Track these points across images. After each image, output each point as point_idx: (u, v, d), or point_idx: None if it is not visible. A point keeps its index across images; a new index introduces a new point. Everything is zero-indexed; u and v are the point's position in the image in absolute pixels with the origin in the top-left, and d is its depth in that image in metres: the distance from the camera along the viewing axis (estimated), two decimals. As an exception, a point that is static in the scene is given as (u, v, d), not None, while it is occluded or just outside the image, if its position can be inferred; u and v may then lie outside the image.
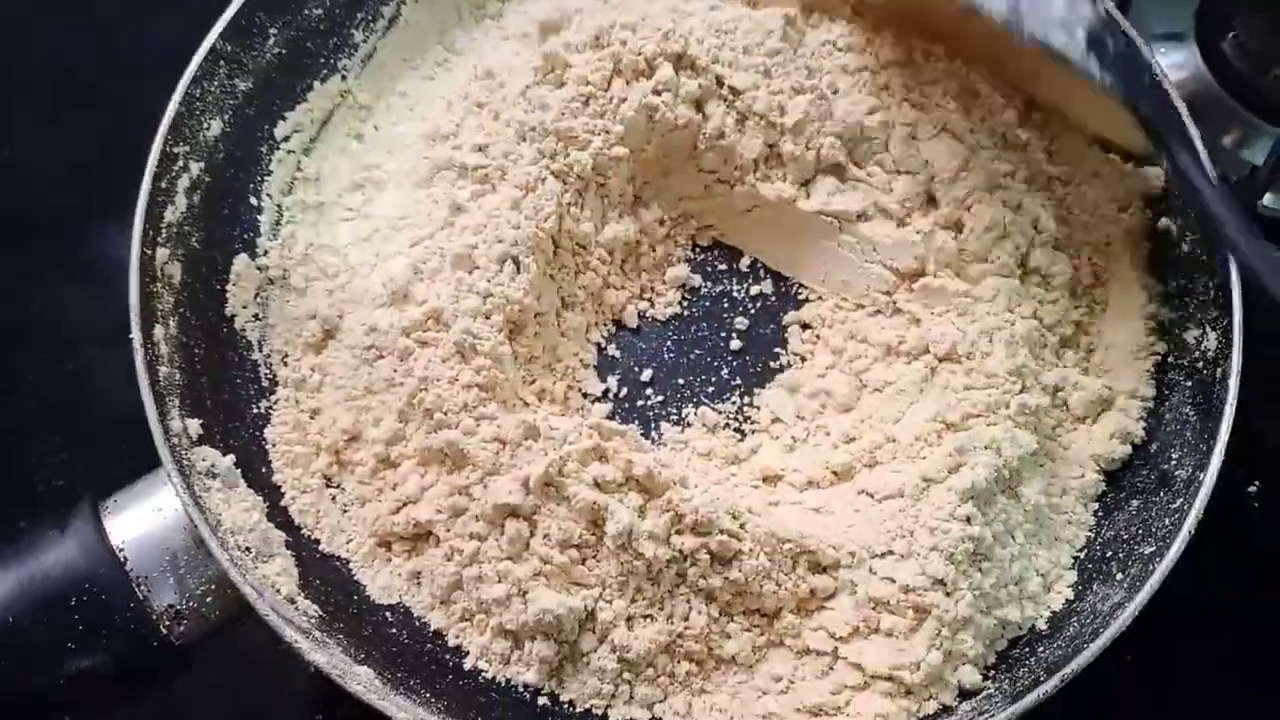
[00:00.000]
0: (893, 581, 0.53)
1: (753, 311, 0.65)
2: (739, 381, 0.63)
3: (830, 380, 0.61)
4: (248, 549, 0.52)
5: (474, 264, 0.58)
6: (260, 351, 0.61)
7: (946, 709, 0.52)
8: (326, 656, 0.49)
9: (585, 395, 0.62)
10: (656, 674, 0.54)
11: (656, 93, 0.61)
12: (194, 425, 0.55)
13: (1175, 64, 0.78)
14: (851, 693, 0.53)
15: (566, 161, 0.61)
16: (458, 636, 0.55)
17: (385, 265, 0.61)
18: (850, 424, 0.59)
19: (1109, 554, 0.55)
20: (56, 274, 0.75)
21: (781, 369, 0.63)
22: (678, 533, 0.53)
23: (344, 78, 0.68)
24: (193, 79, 0.60)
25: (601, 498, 0.53)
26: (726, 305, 0.65)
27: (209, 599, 0.52)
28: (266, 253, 0.63)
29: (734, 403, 0.62)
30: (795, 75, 0.62)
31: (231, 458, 0.56)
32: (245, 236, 0.63)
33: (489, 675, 0.54)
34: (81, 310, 0.73)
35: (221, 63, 0.62)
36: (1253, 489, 0.69)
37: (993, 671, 0.53)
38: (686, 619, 0.54)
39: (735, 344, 0.64)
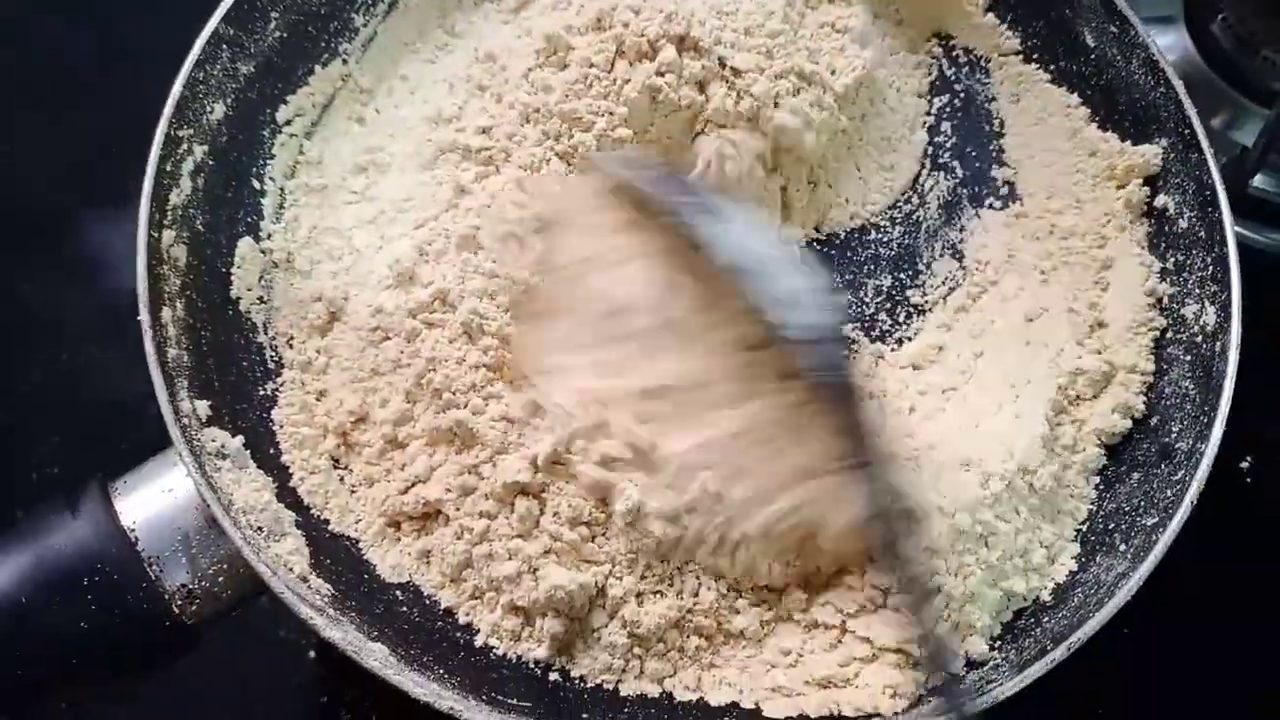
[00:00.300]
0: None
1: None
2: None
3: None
4: (259, 528, 0.53)
5: (479, 245, 0.59)
6: (266, 334, 0.61)
7: (955, 679, 0.52)
8: (341, 633, 0.49)
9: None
10: (666, 649, 0.54)
11: (660, 74, 0.61)
12: (203, 406, 0.55)
13: (1165, 46, 0.78)
14: (860, 664, 0.53)
15: (571, 143, 0.61)
16: (468, 614, 0.55)
17: (390, 247, 0.61)
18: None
19: (1111, 526, 0.56)
20: (53, 270, 0.75)
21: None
22: (688, 511, 0.53)
23: (345, 61, 0.68)
24: (196, 63, 0.61)
25: (609, 476, 0.53)
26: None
27: (221, 578, 0.52)
28: (271, 236, 0.63)
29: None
30: (796, 57, 0.63)
31: (240, 438, 0.56)
32: (249, 220, 0.63)
33: (500, 652, 0.54)
34: (79, 305, 0.74)
35: (224, 46, 0.62)
36: (1245, 464, 0.70)
37: (999, 642, 0.54)
38: (696, 595, 0.54)
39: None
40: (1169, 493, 0.54)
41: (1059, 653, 0.49)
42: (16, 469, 0.70)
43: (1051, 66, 0.68)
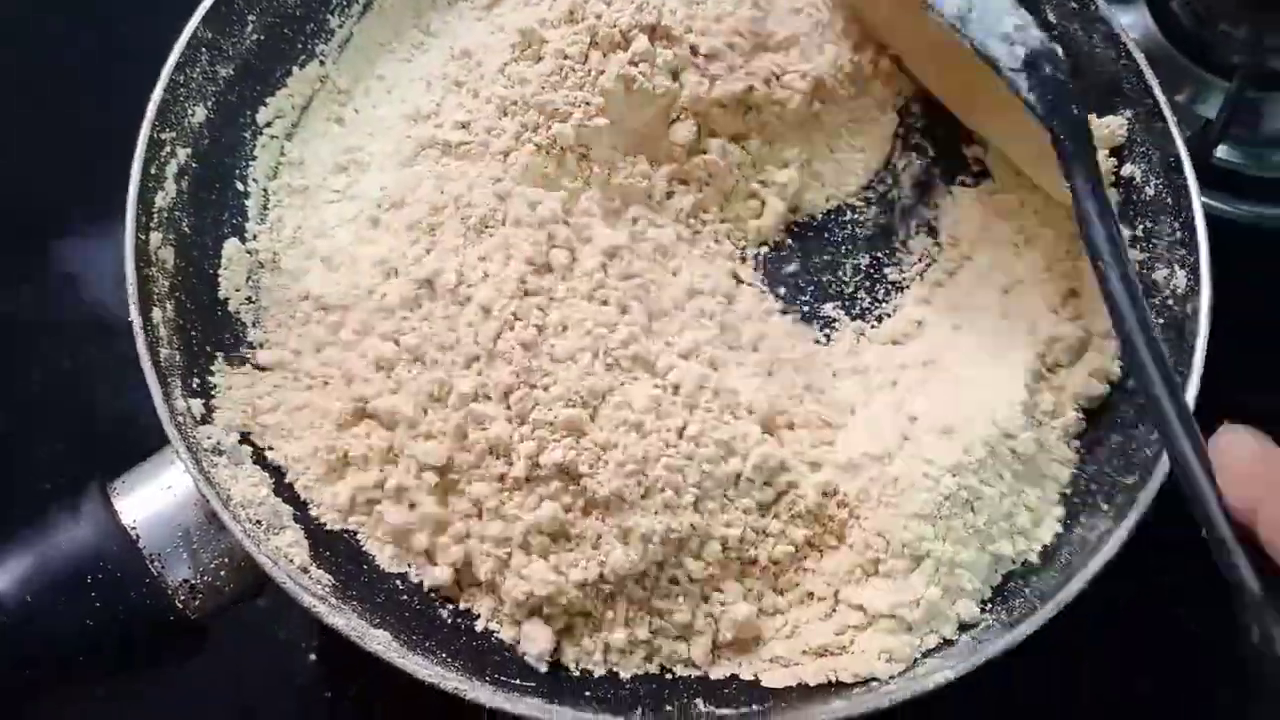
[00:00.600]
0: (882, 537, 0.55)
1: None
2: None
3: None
4: (258, 521, 0.53)
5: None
6: (256, 332, 0.61)
7: (947, 641, 0.54)
8: (344, 620, 0.50)
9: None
10: (667, 632, 0.55)
11: (634, 63, 0.62)
12: (196, 405, 0.56)
13: (1127, 25, 0.79)
14: (855, 632, 0.54)
15: (549, 134, 0.62)
16: (467, 601, 0.56)
17: (374, 244, 0.62)
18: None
19: (1094, 487, 0.57)
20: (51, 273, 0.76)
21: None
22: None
23: (322, 63, 0.69)
24: (175, 65, 0.61)
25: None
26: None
27: (223, 572, 0.53)
28: (256, 237, 0.64)
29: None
30: (768, 42, 0.64)
31: (236, 435, 0.56)
32: (234, 221, 0.64)
33: (500, 637, 0.55)
34: (72, 310, 0.74)
35: (203, 50, 0.63)
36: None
37: (989, 604, 0.55)
38: (691, 578, 0.55)
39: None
40: (1148, 452, 0.55)
41: (1049, 609, 0.50)
42: (16, 477, 0.70)
43: (1017, 45, 0.69)
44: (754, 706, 0.52)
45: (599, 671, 0.54)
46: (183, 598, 0.52)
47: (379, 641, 0.50)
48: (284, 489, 0.57)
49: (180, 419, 0.54)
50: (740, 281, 0.65)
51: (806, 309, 0.65)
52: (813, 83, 0.65)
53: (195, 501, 0.53)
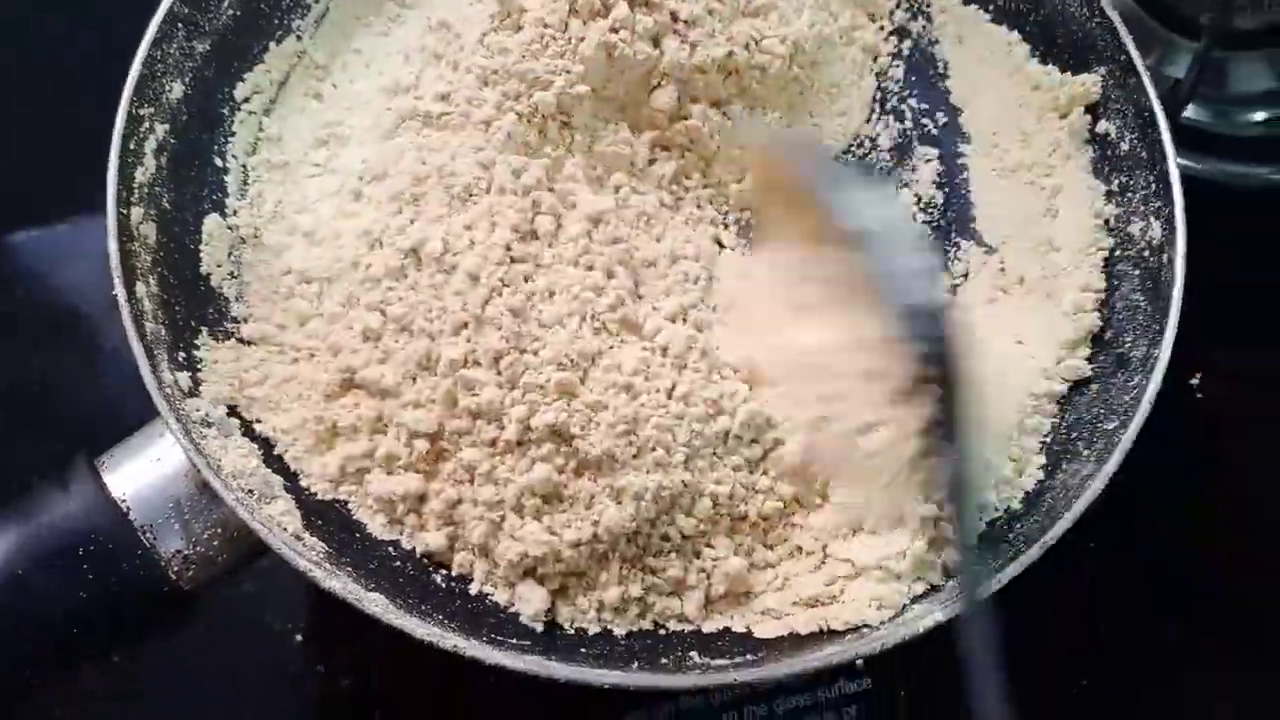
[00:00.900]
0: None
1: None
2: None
3: None
4: (250, 491, 0.53)
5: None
6: (239, 307, 0.61)
7: (935, 588, 0.54)
8: (340, 584, 0.50)
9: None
10: (660, 588, 0.55)
11: (614, 30, 0.62)
12: (184, 378, 0.56)
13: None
14: (845, 582, 0.55)
15: (530, 102, 0.62)
16: (460, 566, 0.56)
17: (357, 216, 0.62)
18: None
19: (1075, 435, 0.58)
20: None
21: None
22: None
23: (299, 38, 0.69)
24: (153, 41, 0.61)
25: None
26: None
27: (215, 543, 0.53)
28: (236, 212, 0.64)
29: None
30: (745, 8, 0.65)
31: (223, 408, 0.56)
32: (214, 197, 0.64)
33: (495, 599, 0.55)
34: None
35: (179, 25, 0.63)
36: (1195, 381, 0.73)
37: (975, 551, 0.56)
38: (685, 535, 0.56)
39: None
40: (1127, 398, 0.56)
41: (1033, 552, 0.51)
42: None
43: (991, 6, 0.70)
44: (748, 656, 0.52)
45: (594, 629, 0.54)
46: (176, 568, 0.52)
47: (376, 604, 0.50)
48: (273, 460, 0.57)
49: (168, 391, 0.54)
50: (723, 247, 0.65)
51: (788, 272, 0.66)
52: (791, 46, 0.65)
53: (185, 473, 0.53)
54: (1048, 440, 0.59)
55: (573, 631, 0.55)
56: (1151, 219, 0.60)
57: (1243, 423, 0.74)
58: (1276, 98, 0.79)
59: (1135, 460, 0.54)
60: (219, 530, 0.53)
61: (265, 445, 0.57)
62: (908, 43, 0.72)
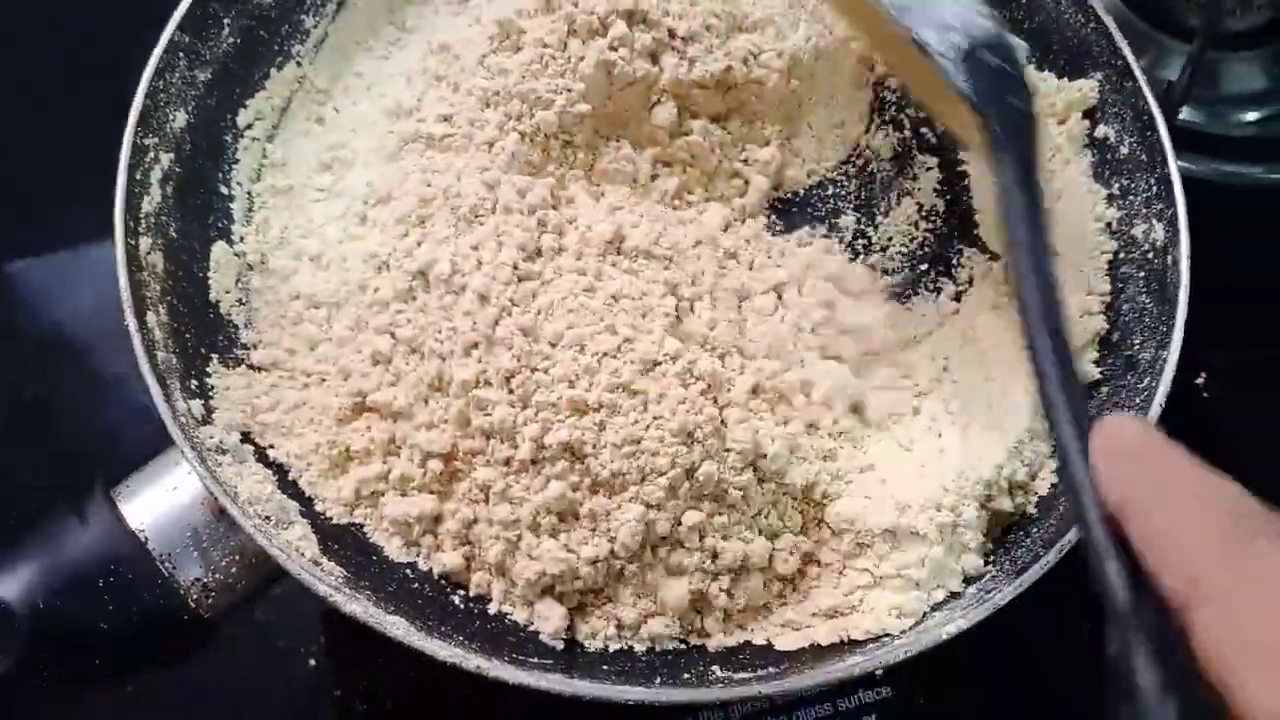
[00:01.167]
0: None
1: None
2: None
3: None
4: (267, 517, 0.53)
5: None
6: (248, 333, 0.61)
7: (954, 595, 0.55)
8: (360, 607, 0.50)
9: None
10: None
11: (613, 48, 0.63)
12: (196, 406, 0.56)
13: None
14: (864, 592, 0.55)
15: (533, 122, 0.62)
16: (478, 586, 0.56)
17: (363, 240, 0.62)
18: None
19: (1086, 438, 0.59)
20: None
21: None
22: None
23: (299, 64, 0.69)
24: (155, 71, 0.61)
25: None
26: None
27: (234, 570, 0.53)
28: (243, 239, 0.64)
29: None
30: (743, 23, 0.65)
31: (236, 435, 0.56)
32: (220, 224, 0.64)
33: (514, 618, 0.55)
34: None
35: (181, 54, 0.63)
36: (1200, 380, 0.74)
37: (993, 556, 0.56)
38: (703, 551, 0.56)
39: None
40: (1137, 400, 0.56)
41: (1051, 556, 0.51)
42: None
43: (985, 14, 0.71)
44: (770, 669, 0.52)
45: (614, 646, 0.54)
46: (195, 597, 0.52)
47: (398, 627, 0.50)
48: (288, 486, 0.57)
49: (182, 420, 0.54)
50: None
51: (793, 283, 0.66)
52: (789, 61, 0.66)
53: (202, 501, 0.53)
54: (1060, 444, 0.59)
55: (593, 649, 0.55)
56: (1154, 221, 0.61)
57: (1245, 422, 0.74)
58: (1269, 97, 0.80)
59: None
60: (237, 557, 0.53)
61: (279, 471, 0.57)
62: (904, 53, 0.72)
